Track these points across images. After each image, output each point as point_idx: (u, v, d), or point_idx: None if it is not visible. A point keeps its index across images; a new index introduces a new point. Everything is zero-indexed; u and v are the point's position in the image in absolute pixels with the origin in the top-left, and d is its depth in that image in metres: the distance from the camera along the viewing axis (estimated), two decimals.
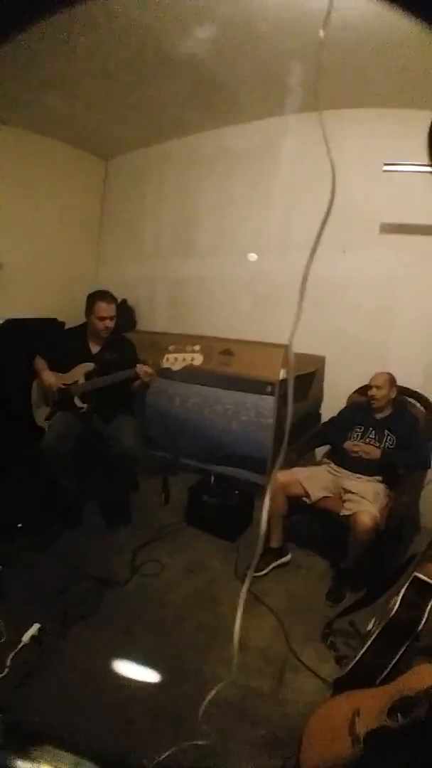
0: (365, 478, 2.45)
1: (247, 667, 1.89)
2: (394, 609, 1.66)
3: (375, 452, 2.47)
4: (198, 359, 2.50)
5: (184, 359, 2.51)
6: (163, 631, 2.06)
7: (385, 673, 1.60)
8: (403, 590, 1.71)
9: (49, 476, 2.55)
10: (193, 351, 2.50)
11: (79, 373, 2.67)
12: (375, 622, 1.81)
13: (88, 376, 2.66)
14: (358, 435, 2.59)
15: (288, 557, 2.52)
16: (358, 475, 2.47)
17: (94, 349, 2.73)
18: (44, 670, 1.77)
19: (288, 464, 2.56)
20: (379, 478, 2.45)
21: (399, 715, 1.28)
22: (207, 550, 2.64)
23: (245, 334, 3.26)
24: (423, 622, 1.64)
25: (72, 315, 2.90)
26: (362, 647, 1.69)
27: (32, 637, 1.87)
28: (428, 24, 0.68)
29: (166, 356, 2.53)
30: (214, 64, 2.65)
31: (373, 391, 2.57)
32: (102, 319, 2.61)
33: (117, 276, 3.73)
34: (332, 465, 2.61)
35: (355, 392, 2.84)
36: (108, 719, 1.61)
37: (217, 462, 3.02)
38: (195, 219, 3.44)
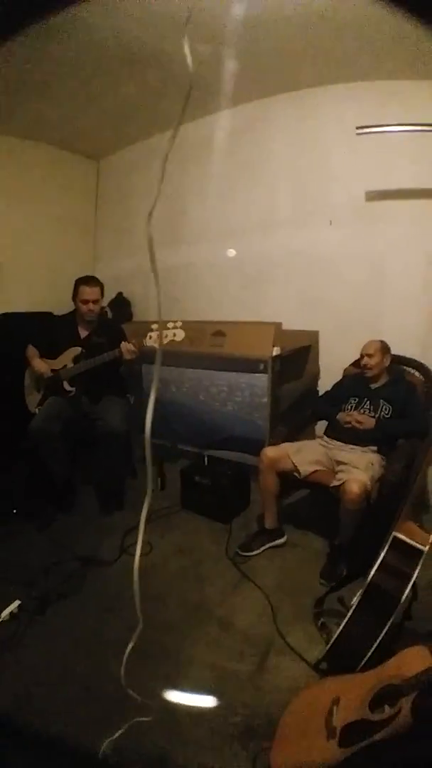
0: (359, 448, 2.32)
1: (228, 649, 1.78)
2: (370, 576, 1.52)
3: (369, 422, 2.34)
4: (180, 335, 2.46)
5: (166, 336, 2.47)
6: (144, 610, 1.99)
7: (368, 654, 1.45)
8: (382, 553, 1.57)
9: (40, 460, 2.55)
10: (175, 327, 2.46)
11: (67, 357, 2.70)
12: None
13: (76, 360, 2.68)
14: (352, 406, 2.46)
15: (283, 539, 2.40)
16: (352, 447, 2.34)
17: (83, 334, 2.76)
18: (20, 645, 1.74)
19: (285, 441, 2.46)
20: (374, 448, 2.31)
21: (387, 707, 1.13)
22: (199, 531, 2.56)
23: (237, 315, 3.21)
24: (406, 591, 1.49)
25: (69, 310, 2.94)
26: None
27: (11, 614, 1.87)
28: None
29: (149, 334, 2.51)
30: (183, 58, 2.68)
31: (365, 360, 2.45)
32: (86, 302, 2.64)
33: (113, 270, 3.78)
34: (326, 438, 2.49)
35: (351, 365, 2.72)
36: (77, 696, 1.54)
37: (215, 446, 2.94)
38: (182, 208, 3.45)
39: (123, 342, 2.57)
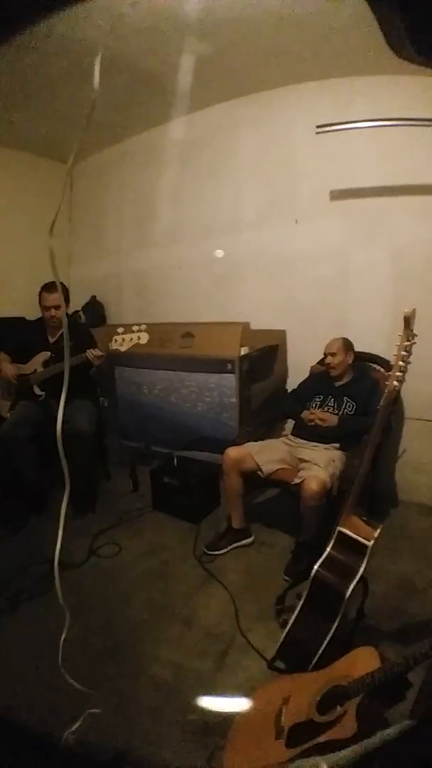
0: (322, 446, 2.35)
1: (190, 647, 1.80)
2: (313, 571, 1.54)
3: (331, 419, 2.37)
4: (144, 338, 2.48)
5: (131, 339, 2.50)
6: (111, 609, 2.01)
7: (318, 652, 1.46)
8: (328, 548, 1.59)
9: (12, 464, 2.57)
10: (140, 330, 2.49)
11: (37, 362, 2.72)
12: None
13: (46, 364, 2.70)
14: (317, 404, 2.49)
15: (250, 539, 2.43)
16: (315, 444, 2.37)
17: (52, 338, 2.77)
18: None
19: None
20: (337, 445, 2.34)
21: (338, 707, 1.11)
22: (168, 532, 2.58)
23: (208, 315, 3.23)
24: (351, 587, 1.50)
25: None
26: None
27: None
28: None
29: (114, 338, 2.53)
30: (149, 62, 2.70)
31: (329, 359, 2.48)
32: (47, 308, 2.66)
33: (87, 274, 3.80)
34: (290, 437, 2.51)
35: (318, 363, 2.74)
36: (42, 692, 1.53)
37: (186, 447, 2.95)
38: (152, 211, 3.47)
39: (89, 349, 2.58)
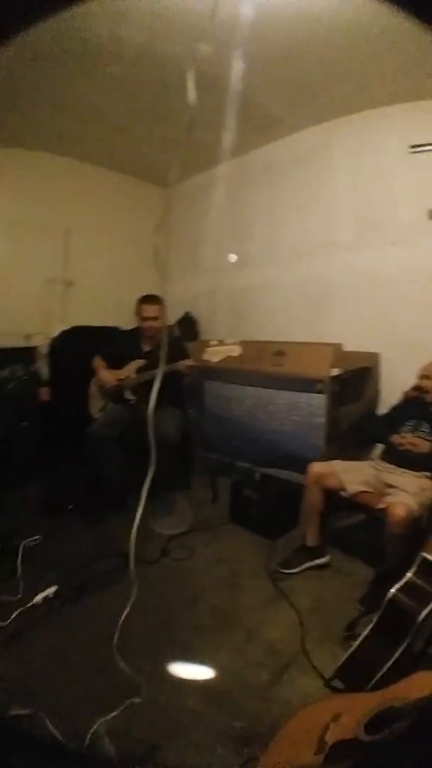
0: (412, 473, 2.20)
1: (249, 658, 1.76)
2: (390, 594, 1.43)
3: (423, 445, 2.22)
4: (236, 350, 2.54)
5: (223, 351, 2.58)
6: (174, 610, 2.03)
7: (379, 674, 1.38)
8: (409, 573, 1.48)
9: (96, 461, 2.74)
10: (233, 344, 2.57)
11: (131, 369, 2.91)
12: None
13: (139, 371, 2.88)
14: (409, 429, 2.35)
15: (326, 558, 2.32)
16: (404, 471, 2.23)
17: (146, 348, 2.96)
18: (46, 629, 1.84)
19: None
20: (428, 474, 2.18)
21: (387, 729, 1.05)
22: (243, 545, 2.56)
23: (300, 335, 3.23)
24: (425, 612, 1.38)
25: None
26: None
27: (45, 599, 1.97)
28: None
29: (206, 350, 2.63)
30: (248, 85, 2.84)
31: (424, 382, 2.36)
32: (145, 319, 2.85)
33: (182, 292, 3.99)
34: (378, 461, 2.39)
35: (412, 388, 2.59)
36: (87, 684, 1.58)
37: (270, 464, 2.93)
38: (248, 232, 3.60)
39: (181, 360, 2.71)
